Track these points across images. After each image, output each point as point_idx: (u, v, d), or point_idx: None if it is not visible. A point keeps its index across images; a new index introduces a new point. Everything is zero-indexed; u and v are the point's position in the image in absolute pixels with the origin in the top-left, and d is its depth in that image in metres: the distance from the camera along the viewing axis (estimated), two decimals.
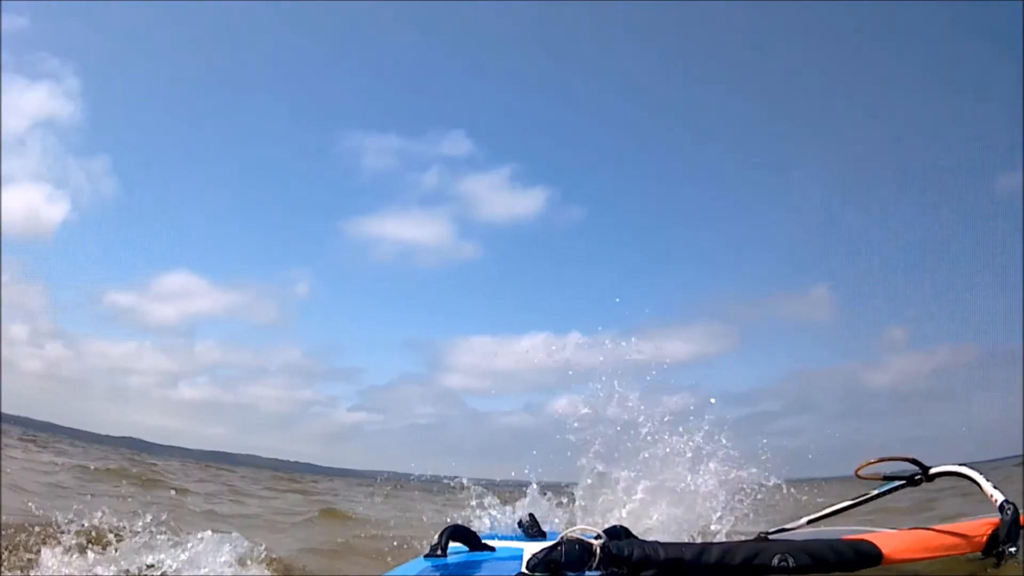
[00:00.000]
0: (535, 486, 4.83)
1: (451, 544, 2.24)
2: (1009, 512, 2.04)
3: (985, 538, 2.05)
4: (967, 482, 2.37)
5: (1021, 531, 2.04)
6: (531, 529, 2.41)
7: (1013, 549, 2.01)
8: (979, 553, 2.06)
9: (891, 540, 2.07)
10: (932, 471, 2.51)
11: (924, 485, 2.60)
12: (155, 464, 15.95)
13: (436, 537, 2.25)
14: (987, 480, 2.28)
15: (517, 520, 3.03)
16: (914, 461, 2.54)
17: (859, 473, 2.58)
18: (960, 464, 2.49)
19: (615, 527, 1.90)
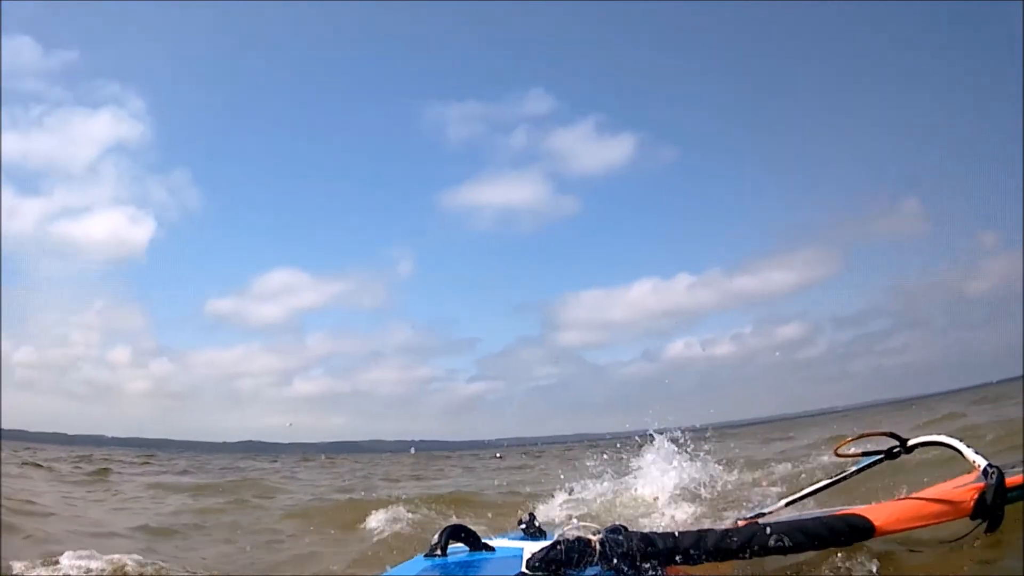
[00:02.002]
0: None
1: (451, 544, 2.24)
2: (994, 476, 2.09)
3: (972, 503, 2.10)
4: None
5: (1007, 494, 2.09)
6: (531, 528, 2.41)
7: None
8: (967, 518, 2.12)
9: (881, 512, 2.11)
10: (910, 442, 2.56)
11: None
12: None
13: (436, 536, 2.25)
14: (968, 446, 2.34)
15: None
16: (892, 435, 2.59)
17: (838, 452, 2.62)
18: (938, 433, 2.56)
19: (614, 525, 1.92)
